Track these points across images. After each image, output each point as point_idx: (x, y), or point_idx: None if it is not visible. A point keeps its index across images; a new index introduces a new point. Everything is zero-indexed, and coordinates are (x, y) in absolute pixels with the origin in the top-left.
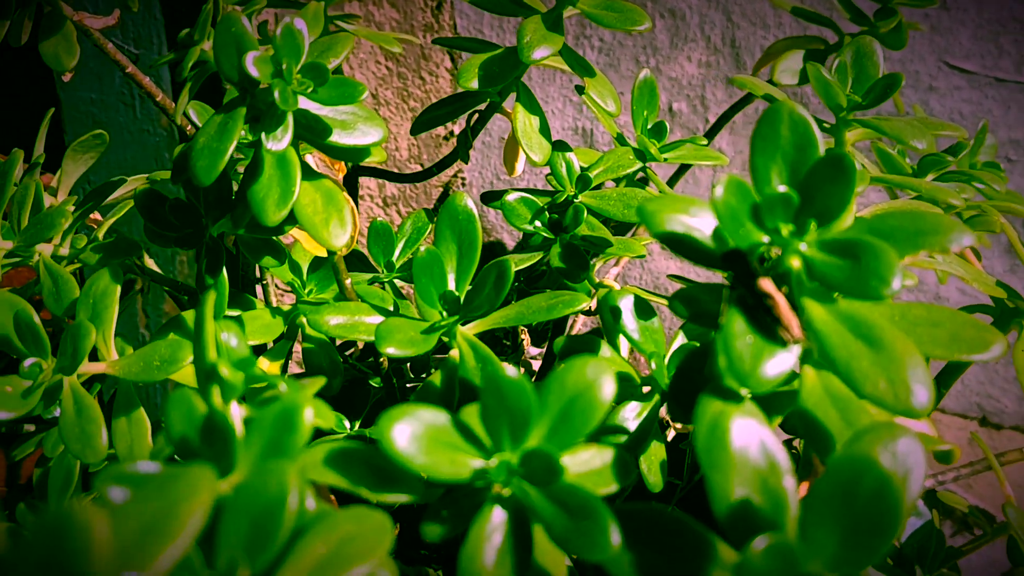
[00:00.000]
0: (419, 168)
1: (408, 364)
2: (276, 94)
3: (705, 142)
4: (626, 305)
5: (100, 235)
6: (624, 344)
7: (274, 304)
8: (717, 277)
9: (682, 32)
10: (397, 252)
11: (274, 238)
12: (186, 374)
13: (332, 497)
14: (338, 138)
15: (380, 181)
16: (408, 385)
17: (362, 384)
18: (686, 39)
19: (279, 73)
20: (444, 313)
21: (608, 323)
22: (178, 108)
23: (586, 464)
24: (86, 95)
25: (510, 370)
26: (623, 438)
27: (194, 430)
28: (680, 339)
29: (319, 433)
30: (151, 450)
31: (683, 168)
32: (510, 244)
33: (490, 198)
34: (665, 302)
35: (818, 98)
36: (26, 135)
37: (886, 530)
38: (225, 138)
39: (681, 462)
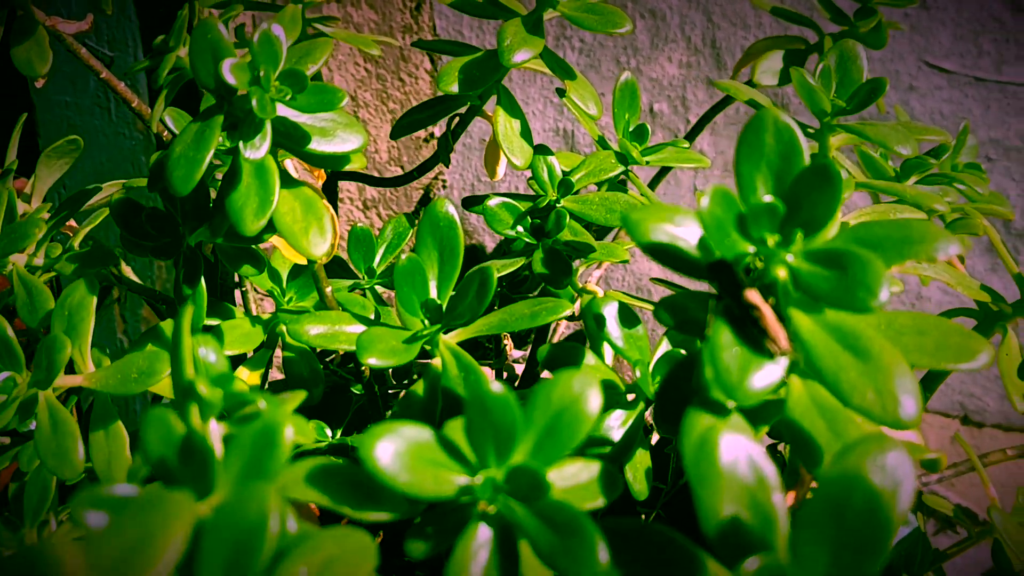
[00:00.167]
0: (399, 170)
1: (390, 370)
2: (254, 102)
3: (687, 144)
4: (610, 312)
5: (76, 244)
6: (608, 351)
7: (254, 310)
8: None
9: (662, 32)
10: (378, 258)
11: (253, 246)
12: (164, 386)
13: (315, 510)
14: (317, 146)
15: (360, 184)
16: (390, 391)
17: (343, 390)
18: (666, 39)
19: (257, 80)
20: (426, 321)
21: (592, 330)
22: (154, 116)
23: (573, 479)
24: (60, 98)
25: (495, 385)
26: (608, 449)
27: (172, 451)
28: (665, 345)
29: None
30: (129, 468)
31: (664, 170)
32: (491, 246)
33: (472, 203)
34: (649, 307)
35: (799, 99)
36: None
37: (877, 547)
38: (202, 147)
39: (666, 466)
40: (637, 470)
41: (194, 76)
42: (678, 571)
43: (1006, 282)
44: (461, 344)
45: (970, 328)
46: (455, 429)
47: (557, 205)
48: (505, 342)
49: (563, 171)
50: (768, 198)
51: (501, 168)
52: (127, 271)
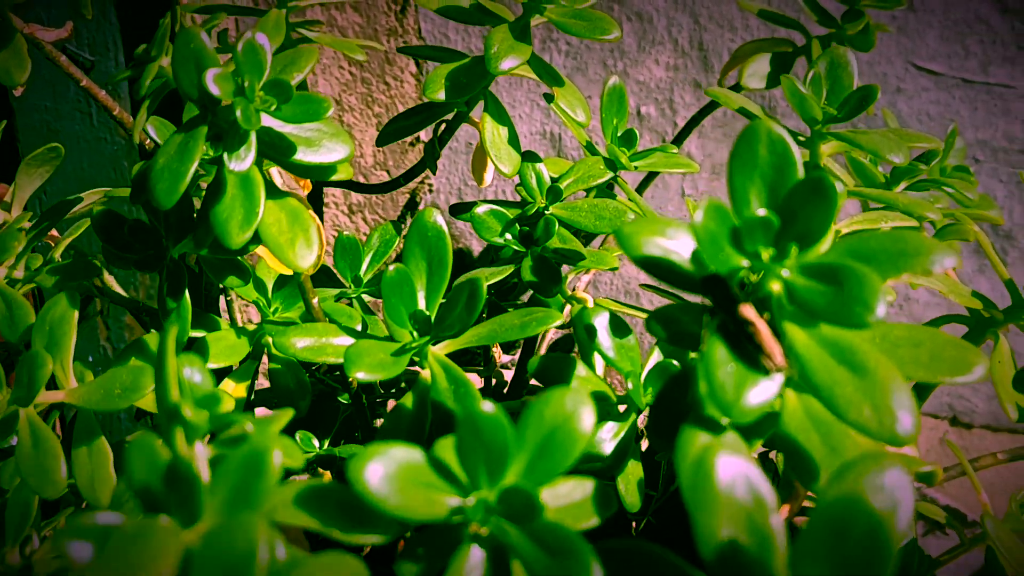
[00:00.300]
0: (385, 174)
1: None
2: (238, 113)
3: (675, 149)
4: (601, 323)
5: (57, 255)
6: (599, 361)
7: (239, 319)
8: None
9: (649, 35)
10: (364, 266)
11: (238, 258)
12: (149, 401)
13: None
14: (303, 156)
15: None
16: (378, 400)
17: (330, 399)
18: (653, 42)
19: (241, 91)
20: (415, 333)
21: (583, 341)
22: (136, 127)
23: (566, 498)
24: (40, 104)
25: (486, 405)
26: (599, 464)
27: (157, 477)
28: (656, 355)
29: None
30: (114, 491)
31: (652, 173)
32: (478, 250)
33: (459, 211)
34: (641, 315)
35: (787, 102)
36: None
37: (879, 569)
38: (186, 159)
39: (656, 472)
40: (629, 482)
41: (177, 86)
42: None
43: (994, 283)
44: (450, 355)
45: (961, 335)
46: (446, 448)
47: (546, 212)
48: (494, 349)
49: (551, 178)
50: (762, 212)
51: (488, 175)
52: (109, 280)
